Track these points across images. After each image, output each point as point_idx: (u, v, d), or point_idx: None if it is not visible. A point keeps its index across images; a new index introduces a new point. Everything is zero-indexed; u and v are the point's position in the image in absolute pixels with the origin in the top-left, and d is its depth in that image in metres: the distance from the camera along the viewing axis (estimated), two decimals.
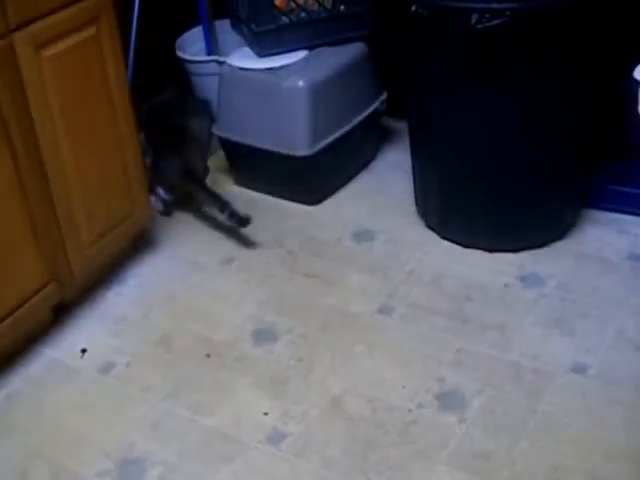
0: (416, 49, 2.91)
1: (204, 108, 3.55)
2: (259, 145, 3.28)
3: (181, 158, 3.31)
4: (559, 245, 3.06)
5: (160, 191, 3.31)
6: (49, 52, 2.55)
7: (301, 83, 3.19)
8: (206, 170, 3.48)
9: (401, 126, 3.33)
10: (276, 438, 2.41)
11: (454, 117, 2.89)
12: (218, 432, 2.44)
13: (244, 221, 3.13)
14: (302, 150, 3.24)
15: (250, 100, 3.30)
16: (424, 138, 3.09)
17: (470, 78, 2.76)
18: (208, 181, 3.41)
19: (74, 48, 2.63)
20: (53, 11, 2.54)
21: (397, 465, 2.31)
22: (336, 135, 3.32)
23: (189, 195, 3.37)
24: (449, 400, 2.48)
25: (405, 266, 3.02)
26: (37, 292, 2.68)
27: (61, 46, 2.58)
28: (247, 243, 3.17)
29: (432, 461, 2.31)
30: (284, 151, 3.26)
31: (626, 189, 3.07)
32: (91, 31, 2.68)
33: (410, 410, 2.46)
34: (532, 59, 2.70)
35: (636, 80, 2.11)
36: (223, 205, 3.14)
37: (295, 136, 3.24)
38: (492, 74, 2.74)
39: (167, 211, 3.36)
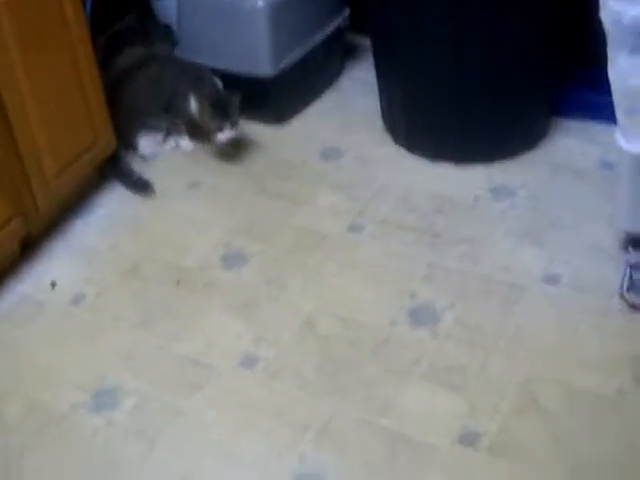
0: None
1: (166, 33, 3.47)
2: (222, 67, 3.21)
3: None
4: (529, 156, 3.03)
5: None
6: None
7: (260, 3, 3.13)
8: None
9: (366, 42, 3.27)
10: (249, 362, 2.40)
11: (416, 30, 2.84)
12: (190, 359, 2.43)
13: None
14: (265, 70, 3.19)
15: (211, 22, 3.23)
16: (387, 53, 3.04)
17: None
18: None
19: None
20: None
21: (370, 383, 2.30)
22: (299, 54, 3.27)
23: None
24: (421, 316, 2.47)
25: (374, 183, 2.99)
26: (2, 228, 2.64)
27: None
28: (212, 167, 3.13)
29: (406, 377, 2.31)
30: (247, 72, 3.21)
31: (597, 97, 3.02)
32: None
33: (383, 327, 2.45)
34: None
35: None
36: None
37: (257, 56, 3.19)
38: None
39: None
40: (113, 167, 3.11)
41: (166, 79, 3.15)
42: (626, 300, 2.43)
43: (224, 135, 3.04)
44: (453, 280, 2.57)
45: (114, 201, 3.05)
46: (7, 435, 2.29)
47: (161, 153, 3.24)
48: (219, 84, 3.11)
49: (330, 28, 3.40)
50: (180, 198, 3.02)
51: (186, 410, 2.30)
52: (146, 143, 3.21)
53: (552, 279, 2.54)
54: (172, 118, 3.15)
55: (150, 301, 2.63)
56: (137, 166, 3.17)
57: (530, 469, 2.08)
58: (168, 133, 3.20)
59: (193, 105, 3.07)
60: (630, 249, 2.53)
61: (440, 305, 2.50)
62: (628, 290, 2.45)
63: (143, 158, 3.22)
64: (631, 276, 2.47)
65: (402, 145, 3.12)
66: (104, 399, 2.34)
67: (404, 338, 2.42)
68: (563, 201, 2.82)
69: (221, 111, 3.02)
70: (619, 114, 2.23)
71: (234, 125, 3.05)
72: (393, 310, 2.50)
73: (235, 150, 3.16)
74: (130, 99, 3.16)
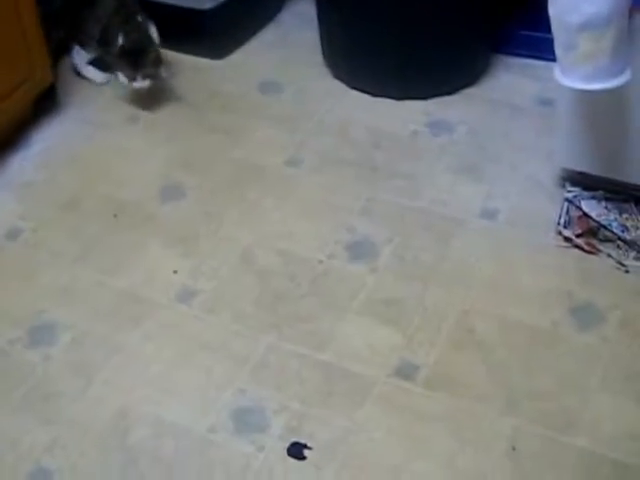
0: None
1: None
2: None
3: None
4: (469, 92, 3.03)
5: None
6: None
7: None
8: None
9: None
10: (187, 296, 2.39)
11: None
12: (128, 293, 2.42)
13: None
14: (203, 2, 3.14)
15: None
16: None
17: None
18: None
19: None
20: None
21: (308, 316, 2.31)
22: None
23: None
24: (359, 250, 2.48)
25: (313, 117, 2.97)
26: None
27: None
28: (151, 100, 3.09)
29: (343, 311, 2.32)
30: (185, 4, 3.15)
31: (537, 34, 3.03)
32: None
33: (320, 261, 2.46)
34: None
35: None
36: None
37: None
38: None
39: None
40: None
41: (101, 12, 3.08)
42: (562, 236, 2.45)
43: (137, 84, 3.01)
44: (391, 214, 2.58)
45: (51, 136, 2.99)
46: None
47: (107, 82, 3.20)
48: (150, 30, 3.05)
49: None
50: (118, 131, 2.99)
51: (124, 344, 2.29)
52: (93, 71, 3.19)
53: (489, 214, 2.56)
54: (104, 53, 3.09)
55: (88, 235, 2.60)
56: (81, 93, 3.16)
57: (466, 401, 2.10)
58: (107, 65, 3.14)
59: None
60: (567, 185, 2.55)
61: (378, 239, 2.50)
62: (565, 226, 2.47)
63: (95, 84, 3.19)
64: (567, 211, 2.49)
65: (342, 80, 3.10)
66: (41, 334, 2.33)
67: (342, 272, 2.42)
68: (501, 137, 2.82)
69: (134, 60, 2.97)
70: (558, 50, 2.23)
71: (147, 77, 3.00)
72: (331, 244, 2.50)
73: (151, 98, 3.10)
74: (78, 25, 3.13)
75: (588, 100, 2.35)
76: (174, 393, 2.17)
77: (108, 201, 2.71)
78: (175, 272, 2.46)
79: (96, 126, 3.02)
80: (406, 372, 2.17)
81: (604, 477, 1.96)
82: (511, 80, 3.07)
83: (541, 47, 2.93)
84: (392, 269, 2.42)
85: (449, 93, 3.01)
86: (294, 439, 2.05)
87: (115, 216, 2.65)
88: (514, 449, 2.00)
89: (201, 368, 2.22)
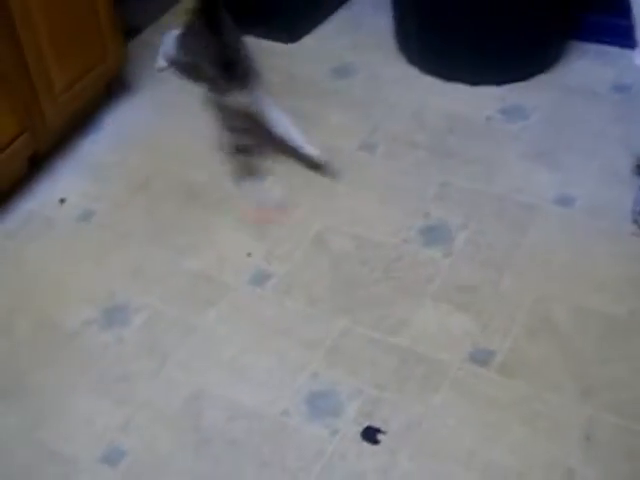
0: None
1: None
2: None
3: None
4: (543, 78, 3.01)
5: None
6: None
7: None
8: None
9: None
10: (260, 278, 2.40)
11: None
12: (202, 275, 2.43)
13: None
14: None
15: None
16: None
17: None
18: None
19: None
20: None
21: (382, 301, 2.30)
22: None
23: None
24: (434, 235, 2.46)
25: (386, 102, 2.96)
26: (10, 144, 2.61)
27: None
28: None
29: (418, 296, 2.31)
30: None
31: (612, 20, 2.99)
32: None
33: (395, 246, 2.44)
34: None
35: None
36: None
37: None
38: None
39: None
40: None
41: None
42: (638, 224, 2.42)
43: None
44: (466, 200, 2.56)
45: (123, 117, 3.01)
46: (16, 351, 2.30)
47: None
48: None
49: None
50: (192, 114, 2.99)
51: (197, 326, 2.30)
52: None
53: (565, 201, 2.53)
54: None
55: (161, 216, 2.62)
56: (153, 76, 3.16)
57: (540, 389, 2.08)
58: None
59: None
60: None
61: (453, 225, 2.49)
62: None
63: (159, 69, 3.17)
64: None
65: (414, 64, 3.09)
66: (115, 315, 2.34)
67: (416, 257, 2.41)
68: (576, 124, 2.79)
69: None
70: (639, 35, 2.20)
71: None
72: (405, 229, 2.49)
73: None
74: None
75: None
76: (248, 377, 2.17)
77: (181, 182, 2.73)
78: (248, 255, 2.46)
79: (168, 108, 3.03)
80: (481, 358, 2.15)
81: None
82: (586, 66, 3.03)
83: (616, 33, 2.90)
84: (467, 255, 2.40)
85: (523, 79, 2.99)
86: (368, 423, 2.04)
87: (189, 197, 2.66)
88: (588, 438, 1.98)
89: (275, 351, 2.22)
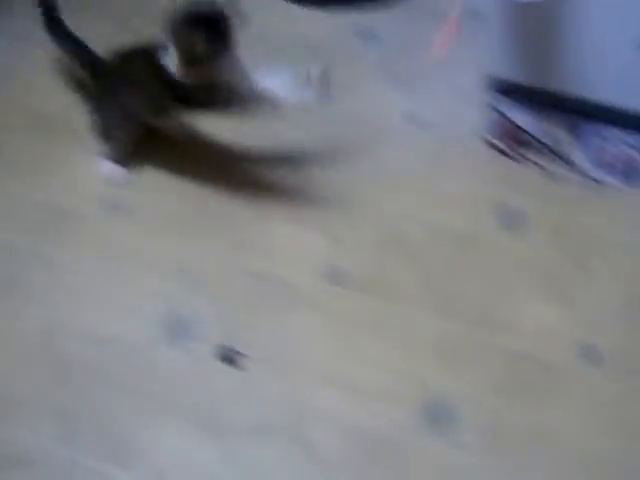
0: None
1: None
2: None
3: None
4: (396, 2, 2.99)
5: None
6: None
7: None
8: None
9: None
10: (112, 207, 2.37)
11: None
12: (51, 206, 2.38)
13: None
14: None
15: None
16: None
17: None
18: None
19: None
20: None
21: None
22: None
23: None
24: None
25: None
26: None
27: None
28: None
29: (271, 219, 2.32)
30: None
31: None
32: None
33: None
34: None
35: None
36: None
37: None
38: None
39: None
40: None
41: None
42: (489, 142, 2.47)
43: None
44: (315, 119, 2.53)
45: None
46: None
47: None
48: None
49: None
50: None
51: (50, 258, 2.28)
52: None
53: (418, 121, 2.55)
54: None
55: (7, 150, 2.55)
56: None
57: (394, 304, 2.14)
58: None
59: None
60: (494, 94, 2.55)
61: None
62: (491, 134, 2.48)
63: None
64: (495, 120, 2.50)
65: None
66: None
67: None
68: (428, 47, 2.80)
69: None
70: None
71: None
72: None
73: None
74: None
75: (516, 10, 2.36)
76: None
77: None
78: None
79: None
80: (335, 277, 2.18)
81: (527, 373, 2.02)
82: None
83: None
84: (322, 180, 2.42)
85: (376, 2, 2.98)
86: (227, 345, 2.06)
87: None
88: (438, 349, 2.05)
89: (125, 278, 2.22)
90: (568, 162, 2.43)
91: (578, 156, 2.44)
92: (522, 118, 2.50)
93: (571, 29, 2.36)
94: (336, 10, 2.97)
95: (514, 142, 2.47)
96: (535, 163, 2.44)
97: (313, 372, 2.02)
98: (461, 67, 2.70)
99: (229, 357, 2.04)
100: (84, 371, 2.03)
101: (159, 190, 2.41)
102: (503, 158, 2.46)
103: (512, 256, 2.23)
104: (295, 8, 2.98)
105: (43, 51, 2.67)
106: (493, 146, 2.46)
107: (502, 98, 2.54)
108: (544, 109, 2.52)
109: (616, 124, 2.48)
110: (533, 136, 2.46)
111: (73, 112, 2.59)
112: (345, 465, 1.90)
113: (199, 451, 1.92)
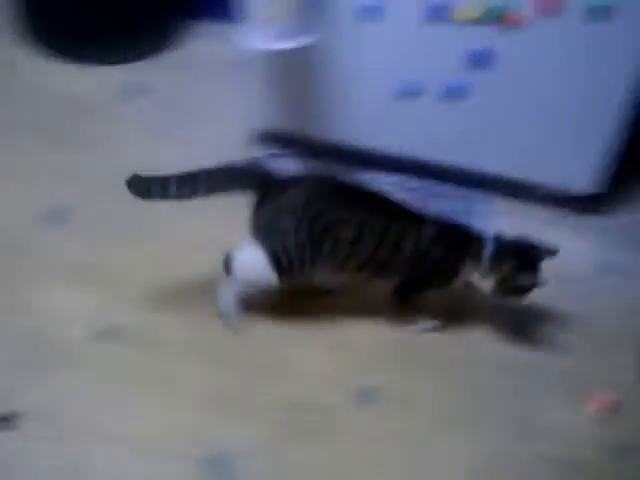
0: None
1: None
2: None
3: None
4: (164, 57, 3.07)
5: None
6: None
7: None
8: None
9: None
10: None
11: None
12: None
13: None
14: None
15: None
16: None
17: None
18: None
19: None
20: None
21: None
22: None
23: None
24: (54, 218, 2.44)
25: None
26: None
27: None
28: None
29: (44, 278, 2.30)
30: None
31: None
32: None
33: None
34: None
35: None
36: None
37: None
38: None
39: None
40: None
41: None
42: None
43: None
44: (87, 176, 2.57)
45: None
46: None
47: None
48: None
49: None
50: None
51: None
52: None
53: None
54: None
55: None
56: None
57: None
58: None
59: None
60: (262, 144, 2.61)
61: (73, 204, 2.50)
62: None
63: None
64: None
65: (37, 46, 3.04)
66: None
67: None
68: (194, 100, 2.88)
69: None
70: (246, 13, 2.28)
71: None
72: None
73: None
74: None
75: (277, 60, 2.44)
76: None
77: None
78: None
79: None
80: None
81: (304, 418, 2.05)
82: (205, 44, 3.12)
83: (224, 8, 2.98)
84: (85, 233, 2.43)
85: (142, 59, 3.04)
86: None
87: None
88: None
89: None
90: None
91: None
92: (290, 167, 2.55)
93: (327, 77, 2.45)
94: (99, 66, 3.00)
95: None
96: None
97: (88, 429, 2.00)
98: (229, 117, 2.77)
99: (3, 417, 2.00)
100: None
101: None
102: None
103: None
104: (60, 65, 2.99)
105: None
106: None
107: (270, 148, 2.61)
108: (308, 156, 2.61)
109: (377, 167, 2.59)
110: None
111: None
112: None
113: None
